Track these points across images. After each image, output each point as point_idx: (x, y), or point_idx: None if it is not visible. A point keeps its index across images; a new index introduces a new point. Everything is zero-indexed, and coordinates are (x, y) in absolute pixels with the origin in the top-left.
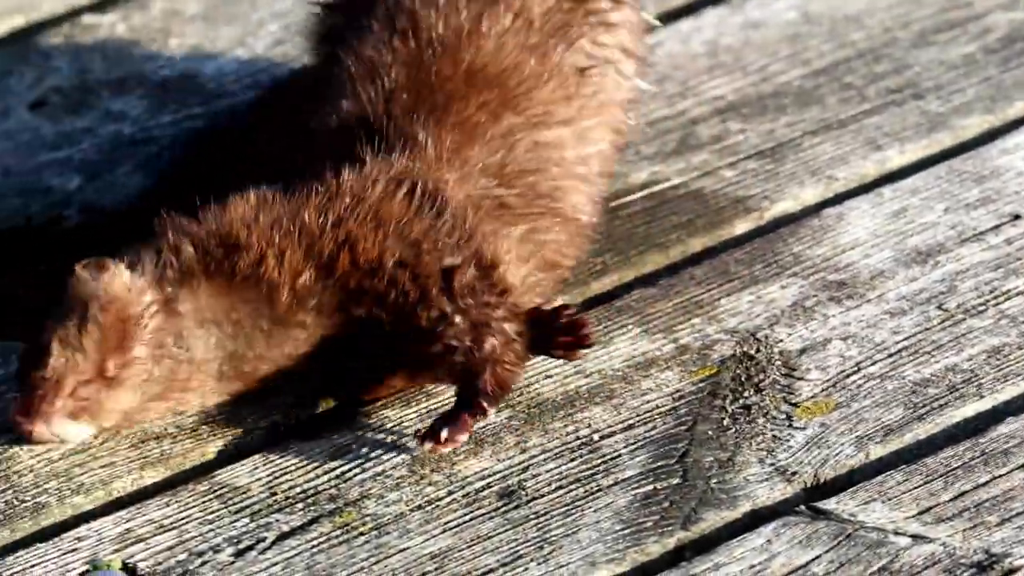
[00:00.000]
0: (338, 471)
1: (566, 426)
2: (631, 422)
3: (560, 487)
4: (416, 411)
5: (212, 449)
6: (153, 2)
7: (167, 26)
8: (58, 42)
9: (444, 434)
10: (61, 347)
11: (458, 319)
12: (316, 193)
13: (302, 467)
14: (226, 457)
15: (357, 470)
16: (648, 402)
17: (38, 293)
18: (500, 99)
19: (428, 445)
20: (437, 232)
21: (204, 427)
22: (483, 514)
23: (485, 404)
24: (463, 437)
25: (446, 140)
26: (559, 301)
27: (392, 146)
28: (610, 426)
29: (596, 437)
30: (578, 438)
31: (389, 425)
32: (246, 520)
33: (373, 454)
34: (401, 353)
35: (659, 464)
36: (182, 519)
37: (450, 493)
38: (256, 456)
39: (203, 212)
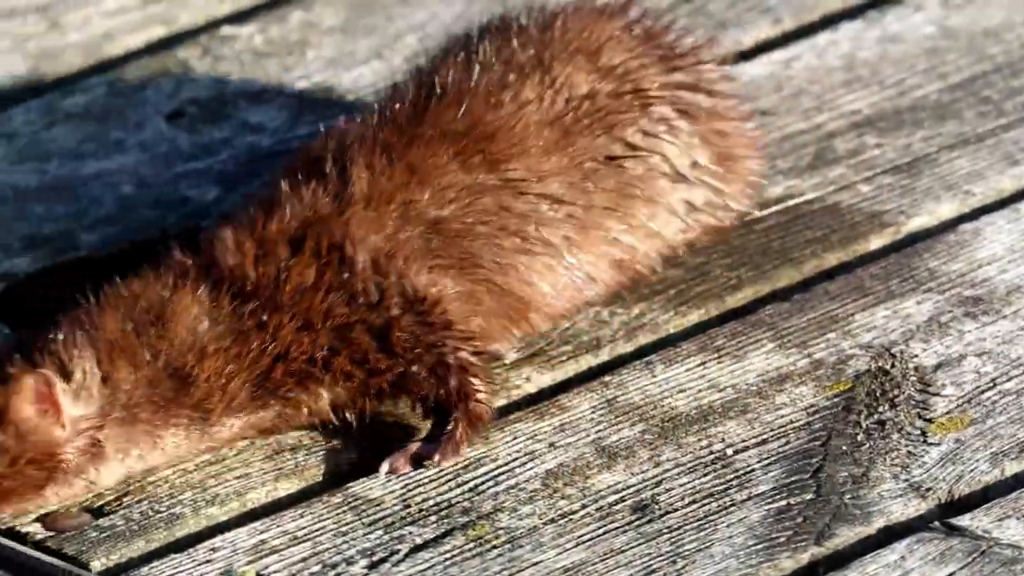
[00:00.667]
0: (471, 484)
1: (700, 440)
2: (765, 437)
3: (693, 501)
4: (550, 423)
5: (346, 461)
6: (291, 14)
7: (305, 38)
8: (196, 53)
9: (399, 463)
10: None
11: (415, 369)
12: (235, 283)
13: (435, 479)
14: (360, 469)
15: (491, 483)
16: (782, 417)
17: (60, 292)
18: (482, 154)
19: (385, 468)
20: (353, 294)
21: (337, 439)
22: (616, 528)
23: (460, 448)
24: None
25: (390, 178)
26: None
27: (325, 184)
28: (744, 441)
29: (730, 452)
30: (711, 452)
31: (522, 438)
32: (380, 532)
33: (506, 467)
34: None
35: (793, 479)
36: (316, 531)
37: (583, 507)
38: None
39: (141, 311)
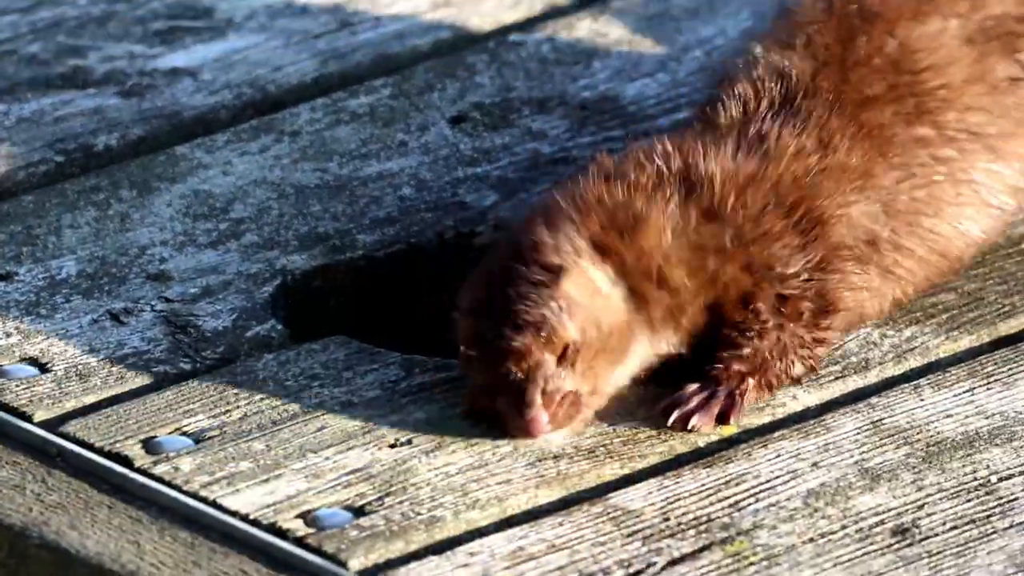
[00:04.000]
0: (732, 499)
1: (964, 466)
2: None
3: (954, 527)
4: (814, 443)
5: (608, 472)
6: (580, 24)
7: (592, 47)
8: (483, 58)
9: (695, 421)
10: (554, 362)
11: (772, 335)
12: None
13: (696, 494)
14: (622, 480)
15: (751, 499)
16: None
17: (335, 290)
18: (915, 97)
19: (674, 417)
20: (792, 258)
21: (601, 448)
22: (875, 550)
23: (741, 411)
24: (708, 428)
25: (859, 153)
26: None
27: (801, 135)
28: (1009, 468)
29: (994, 479)
30: (975, 479)
31: (785, 456)
32: (638, 544)
33: (768, 484)
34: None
35: None
36: (574, 539)
37: (843, 527)
38: (652, 480)
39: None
